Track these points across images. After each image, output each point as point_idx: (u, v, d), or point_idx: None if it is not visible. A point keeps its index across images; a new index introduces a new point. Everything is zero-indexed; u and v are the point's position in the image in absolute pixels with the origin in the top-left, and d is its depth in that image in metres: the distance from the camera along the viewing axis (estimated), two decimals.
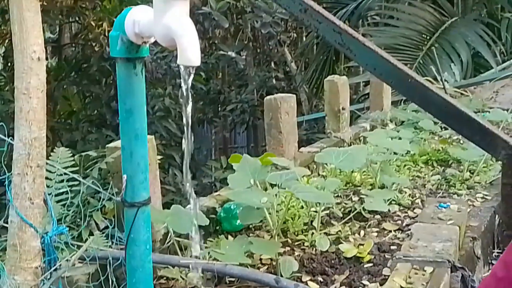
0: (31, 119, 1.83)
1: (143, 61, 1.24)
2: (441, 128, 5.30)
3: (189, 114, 1.16)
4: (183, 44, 1.07)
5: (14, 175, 1.87)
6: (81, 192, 2.32)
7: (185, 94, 1.10)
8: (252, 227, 3.52)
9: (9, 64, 7.02)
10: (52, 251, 1.93)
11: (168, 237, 2.93)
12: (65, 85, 7.55)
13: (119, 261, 2.04)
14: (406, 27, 9.07)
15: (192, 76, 1.10)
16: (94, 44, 7.46)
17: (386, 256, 3.12)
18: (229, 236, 3.36)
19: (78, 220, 2.47)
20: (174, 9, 1.06)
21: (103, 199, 2.42)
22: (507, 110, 6.14)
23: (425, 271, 2.76)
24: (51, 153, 2.65)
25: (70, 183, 2.55)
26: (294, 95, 4.72)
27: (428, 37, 8.75)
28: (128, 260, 1.24)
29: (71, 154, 2.73)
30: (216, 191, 4.01)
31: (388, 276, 2.79)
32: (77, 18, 7.77)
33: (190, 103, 1.19)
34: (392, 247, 3.23)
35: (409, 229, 3.45)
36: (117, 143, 2.80)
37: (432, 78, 6.78)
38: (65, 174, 2.43)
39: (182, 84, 1.10)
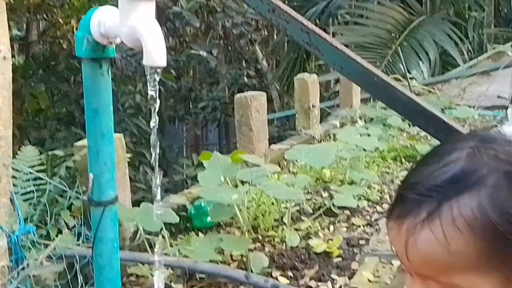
0: None
1: (109, 61, 1.25)
2: (409, 125, 5.40)
3: (156, 117, 1.17)
4: (149, 45, 1.08)
5: None
6: (47, 191, 2.30)
7: (153, 94, 1.11)
8: (223, 224, 3.54)
9: None
10: (19, 250, 1.91)
11: (138, 235, 2.93)
12: (32, 83, 7.43)
13: (87, 260, 2.04)
14: (375, 26, 9.18)
15: (157, 78, 1.11)
16: (62, 41, 7.36)
17: (355, 250, 3.18)
18: (200, 233, 3.37)
19: (46, 219, 2.45)
20: (140, 10, 1.07)
21: (71, 198, 2.40)
22: (474, 107, 6.29)
23: (392, 264, 2.82)
24: (18, 152, 2.62)
25: (38, 182, 2.53)
26: (265, 93, 4.75)
27: (397, 36, 8.87)
28: (95, 259, 1.24)
29: (39, 153, 2.70)
30: (187, 188, 4.02)
31: (357, 270, 2.85)
32: (44, 16, 7.66)
33: (158, 103, 1.20)
34: (361, 242, 3.29)
35: (378, 224, 3.52)
36: (85, 142, 2.77)
37: (401, 75, 6.89)
38: (31, 173, 2.40)
39: (149, 86, 1.10)
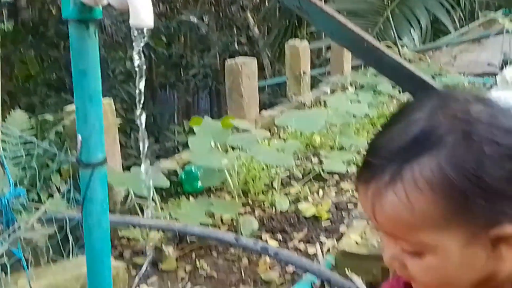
0: None
1: (97, 22, 1.25)
2: (399, 92, 5.41)
3: (143, 80, 1.17)
4: (135, 4, 1.08)
5: None
6: (36, 154, 2.31)
7: (139, 57, 1.11)
8: (214, 188, 3.58)
9: None
10: (10, 213, 1.94)
11: (129, 199, 2.96)
12: (22, 49, 7.34)
13: (77, 222, 2.07)
14: None
15: (144, 40, 1.11)
16: (51, 7, 7.25)
17: (343, 214, 3.24)
18: (191, 198, 3.41)
19: (37, 183, 2.47)
20: None
21: (61, 162, 2.41)
22: (464, 74, 6.31)
23: None
24: (8, 116, 2.62)
25: (28, 147, 2.54)
26: (255, 59, 4.74)
27: (389, 3, 8.80)
28: (85, 219, 1.27)
29: (28, 118, 2.70)
30: None
31: (345, 233, 2.90)
32: None
33: (144, 67, 1.20)
34: (349, 206, 3.34)
35: None
36: (74, 106, 2.77)
37: (392, 42, 6.87)
38: (21, 137, 2.40)
39: (135, 49, 1.11)
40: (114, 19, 7.54)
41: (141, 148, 1.15)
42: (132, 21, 1.11)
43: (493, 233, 0.76)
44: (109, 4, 1.21)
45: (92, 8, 1.21)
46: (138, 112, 1.15)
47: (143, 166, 1.24)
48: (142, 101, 1.13)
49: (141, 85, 1.14)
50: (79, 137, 1.22)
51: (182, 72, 9.78)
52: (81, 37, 1.21)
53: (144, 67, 1.24)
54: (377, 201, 0.78)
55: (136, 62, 1.13)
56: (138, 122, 1.15)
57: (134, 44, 1.11)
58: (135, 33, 1.13)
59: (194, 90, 10.33)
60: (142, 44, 1.12)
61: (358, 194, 0.84)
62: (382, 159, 0.78)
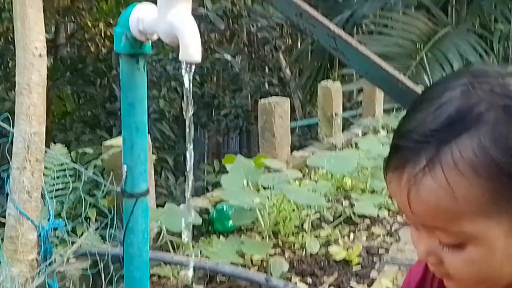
0: (31, 114, 1.87)
1: (146, 57, 1.29)
2: None
3: (190, 113, 1.20)
4: (185, 40, 1.11)
5: (13, 169, 1.90)
6: (75, 187, 2.34)
7: (187, 86, 1.14)
8: (244, 228, 3.56)
9: (3, 61, 7.04)
10: (48, 245, 1.96)
11: (161, 235, 2.97)
12: (59, 85, 7.55)
13: (109, 258, 2.07)
14: (399, 36, 9.15)
15: (192, 72, 1.14)
16: (90, 44, 7.48)
17: (375, 259, 3.17)
18: (221, 236, 3.39)
19: (73, 216, 2.50)
20: (178, 6, 1.11)
21: (98, 195, 2.44)
22: None
23: None
24: (47, 150, 2.67)
25: (66, 180, 2.58)
26: (288, 99, 4.78)
27: (421, 46, 8.84)
28: (126, 249, 1.27)
29: (68, 151, 2.75)
30: None
31: (376, 278, 2.84)
32: (73, 18, 7.79)
33: (191, 100, 1.23)
34: (380, 251, 3.28)
35: (398, 234, 3.50)
36: (113, 141, 2.84)
37: (425, 87, 6.86)
38: (62, 170, 2.45)
39: (185, 82, 1.13)
40: (149, 58, 7.73)
41: (187, 172, 1.16)
42: (181, 56, 1.14)
43: None
44: (159, 39, 1.24)
45: (142, 43, 1.26)
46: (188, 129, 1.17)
47: (187, 199, 1.25)
48: (191, 130, 1.15)
49: (190, 110, 1.17)
50: (124, 167, 1.24)
51: (213, 112, 9.89)
52: (131, 70, 1.25)
53: (191, 100, 1.27)
54: (413, 189, 0.71)
55: (185, 91, 1.16)
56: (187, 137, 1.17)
57: (184, 75, 1.14)
58: (183, 66, 1.16)
59: (224, 130, 10.42)
60: (191, 76, 1.15)
61: (389, 184, 0.76)
62: (415, 142, 0.70)
